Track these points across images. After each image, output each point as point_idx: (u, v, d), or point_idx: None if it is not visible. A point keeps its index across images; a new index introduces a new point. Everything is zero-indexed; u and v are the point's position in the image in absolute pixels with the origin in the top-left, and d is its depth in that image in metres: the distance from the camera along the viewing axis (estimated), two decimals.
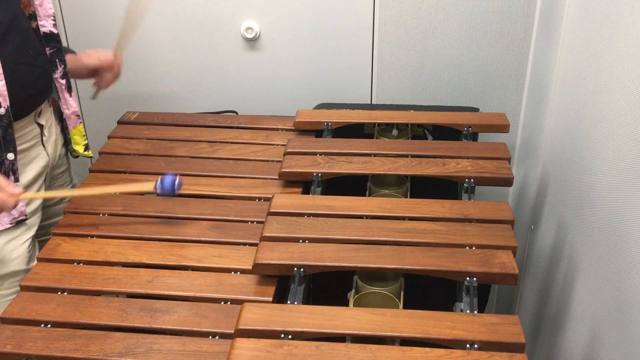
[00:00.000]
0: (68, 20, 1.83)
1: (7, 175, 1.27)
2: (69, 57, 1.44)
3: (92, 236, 1.28)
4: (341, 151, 1.44)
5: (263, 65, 1.85)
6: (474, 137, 1.52)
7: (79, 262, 1.21)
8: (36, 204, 1.36)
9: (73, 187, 1.57)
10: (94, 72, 1.50)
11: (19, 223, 1.30)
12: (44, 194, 1.40)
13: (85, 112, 1.52)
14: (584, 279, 1.27)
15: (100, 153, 1.55)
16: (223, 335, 1.04)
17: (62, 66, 1.40)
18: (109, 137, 1.61)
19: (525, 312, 1.76)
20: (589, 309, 1.23)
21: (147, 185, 1.29)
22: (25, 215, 1.31)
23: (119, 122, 1.68)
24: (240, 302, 1.09)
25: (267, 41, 1.82)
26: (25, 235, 1.33)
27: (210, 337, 1.05)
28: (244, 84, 1.89)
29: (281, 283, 1.16)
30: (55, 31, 1.37)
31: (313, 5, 1.76)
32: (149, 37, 1.84)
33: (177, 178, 1.28)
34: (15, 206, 1.22)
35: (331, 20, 1.77)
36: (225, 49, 1.84)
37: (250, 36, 1.80)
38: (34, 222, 1.36)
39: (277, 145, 1.57)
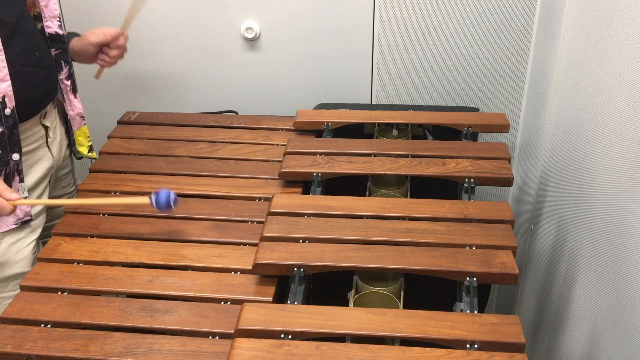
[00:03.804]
0: (68, 20, 1.83)
1: (12, 176, 1.27)
2: (74, 40, 1.43)
3: (92, 236, 1.28)
4: (341, 151, 1.43)
5: (263, 65, 1.85)
6: (474, 137, 1.52)
7: (79, 262, 1.21)
8: (41, 205, 1.36)
9: (76, 187, 1.57)
10: (100, 49, 1.47)
11: (24, 224, 1.30)
12: (40, 201, 1.37)
13: (86, 112, 1.52)
14: (584, 279, 1.27)
15: (100, 153, 1.55)
16: (223, 335, 1.04)
17: (67, 67, 1.40)
18: (109, 137, 1.61)
19: (525, 312, 1.76)
20: (589, 309, 1.23)
21: (142, 199, 1.24)
22: (31, 216, 1.31)
23: (119, 122, 1.68)
24: (240, 302, 1.09)
25: (267, 41, 1.82)
26: (30, 237, 1.33)
27: (210, 337, 1.05)
28: (244, 84, 1.89)
29: (281, 283, 1.16)
30: (60, 32, 1.37)
31: (313, 5, 1.76)
32: (149, 37, 1.84)
33: (172, 193, 1.22)
34: (13, 211, 1.22)
35: (331, 20, 1.77)
36: (225, 49, 1.84)
37: (250, 36, 1.80)
38: (39, 223, 1.36)
39: (277, 145, 1.57)
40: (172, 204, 1.22)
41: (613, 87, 1.14)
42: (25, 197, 1.29)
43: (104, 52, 1.47)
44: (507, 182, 1.34)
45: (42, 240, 1.39)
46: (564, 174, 1.42)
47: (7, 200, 1.19)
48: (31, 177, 1.34)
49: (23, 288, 1.16)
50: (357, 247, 1.14)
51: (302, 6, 1.76)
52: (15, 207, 1.22)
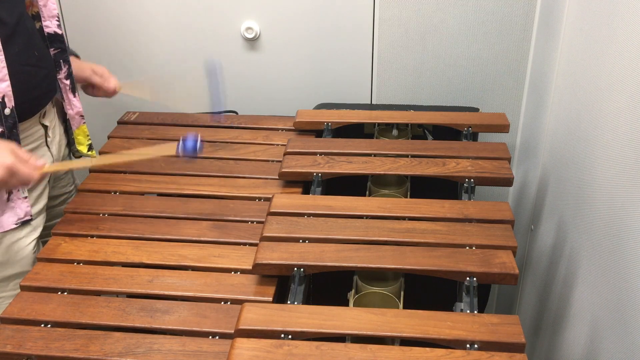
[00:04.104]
0: (68, 20, 1.83)
1: None
2: (72, 60, 1.44)
3: (92, 236, 1.28)
4: (341, 151, 1.44)
5: (263, 65, 1.85)
6: (474, 137, 1.52)
7: (79, 262, 1.21)
8: (41, 204, 1.36)
9: (75, 187, 1.57)
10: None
11: (24, 223, 1.30)
12: (65, 166, 1.43)
13: (86, 112, 1.52)
14: (584, 279, 1.27)
15: (100, 153, 1.55)
16: (223, 335, 1.04)
17: (66, 67, 1.40)
18: (109, 137, 1.61)
19: (525, 312, 1.76)
20: (589, 309, 1.23)
21: (169, 149, 1.26)
22: (31, 216, 1.31)
23: (119, 122, 1.68)
24: (240, 302, 1.09)
25: (267, 41, 1.82)
26: (31, 237, 1.33)
27: (210, 337, 1.05)
28: (244, 84, 1.89)
29: (281, 283, 1.16)
30: (59, 32, 1.37)
31: (313, 6, 1.76)
32: (150, 37, 1.84)
33: (199, 140, 1.24)
34: (41, 179, 1.21)
35: (331, 20, 1.77)
36: (225, 49, 1.84)
37: (250, 36, 1.80)
38: (39, 223, 1.36)
39: (277, 145, 1.57)
40: (197, 149, 1.23)
41: (613, 87, 1.14)
42: (26, 197, 1.29)
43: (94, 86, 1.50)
44: (507, 182, 1.34)
45: (42, 240, 1.39)
46: (564, 174, 1.42)
47: (35, 167, 1.18)
48: None
49: (23, 288, 1.16)
50: (357, 247, 1.14)
51: (302, 6, 1.76)
52: (42, 176, 1.22)
